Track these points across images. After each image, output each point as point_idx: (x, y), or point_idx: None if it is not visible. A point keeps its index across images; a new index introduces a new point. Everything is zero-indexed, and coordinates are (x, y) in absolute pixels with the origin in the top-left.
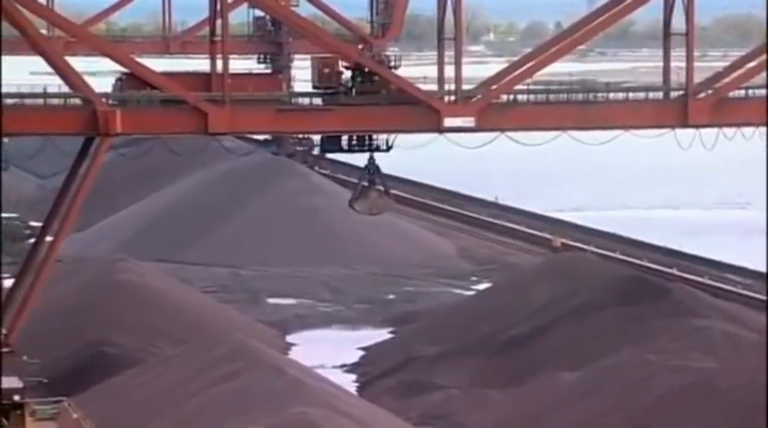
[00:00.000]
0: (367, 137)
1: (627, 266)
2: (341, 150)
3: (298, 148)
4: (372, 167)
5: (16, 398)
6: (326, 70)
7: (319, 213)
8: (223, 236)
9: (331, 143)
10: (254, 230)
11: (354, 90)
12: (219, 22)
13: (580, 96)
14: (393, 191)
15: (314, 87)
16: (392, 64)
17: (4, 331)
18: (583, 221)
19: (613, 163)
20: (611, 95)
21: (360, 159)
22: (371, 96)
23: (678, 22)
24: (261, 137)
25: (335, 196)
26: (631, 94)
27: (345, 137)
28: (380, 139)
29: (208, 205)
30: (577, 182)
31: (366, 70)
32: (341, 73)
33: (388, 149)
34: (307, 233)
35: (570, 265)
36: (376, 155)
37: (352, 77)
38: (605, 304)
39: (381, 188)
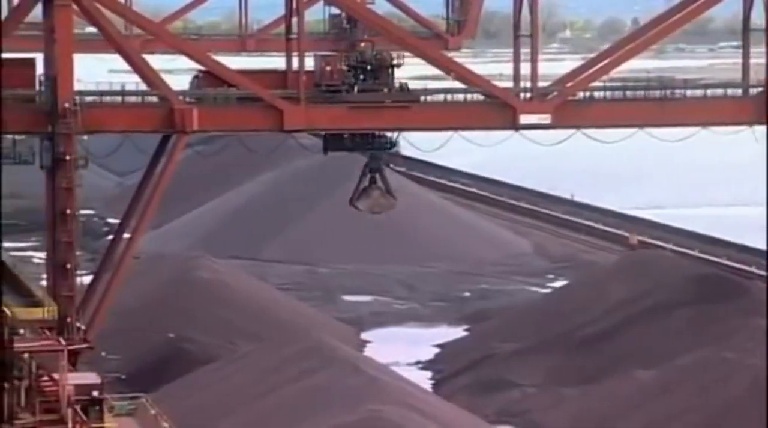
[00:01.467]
0: (370, 136)
1: (705, 264)
2: (344, 148)
3: None
4: (375, 166)
5: (95, 394)
6: (328, 68)
7: (395, 210)
8: (298, 233)
9: (335, 141)
10: (330, 228)
11: (356, 88)
12: (295, 20)
13: (657, 93)
14: (471, 189)
15: (316, 85)
16: (394, 62)
17: (82, 327)
18: (661, 218)
19: (690, 160)
20: (689, 92)
21: (439, 157)
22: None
23: (757, 18)
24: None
25: (411, 193)
26: (709, 91)
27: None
28: (384, 137)
29: (283, 202)
30: (655, 180)
31: (368, 67)
32: (343, 71)
33: (392, 146)
34: (382, 231)
35: (647, 263)
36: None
37: (354, 75)
38: (682, 302)
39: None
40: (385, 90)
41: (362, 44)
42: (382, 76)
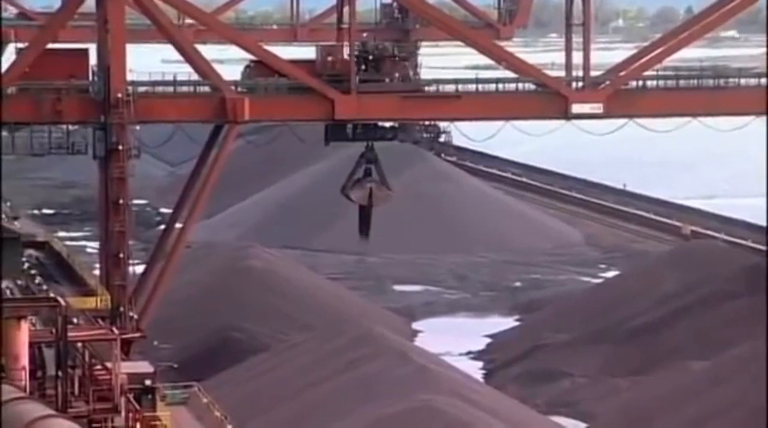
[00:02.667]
0: (372, 127)
1: (758, 254)
2: (346, 139)
3: (424, 135)
4: (371, 157)
5: (148, 382)
6: (330, 59)
7: (445, 200)
8: (349, 222)
9: (336, 131)
10: (380, 218)
11: (358, 78)
12: (346, 9)
13: (710, 82)
14: (522, 179)
15: (317, 74)
16: (394, 53)
17: (135, 316)
18: (714, 208)
19: (744, 149)
20: (743, 81)
21: (490, 147)
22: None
23: None
24: (387, 124)
25: (462, 183)
26: (762, 80)
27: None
28: (386, 127)
29: (334, 192)
30: (708, 169)
31: (371, 58)
32: (345, 61)
33: (393, 137)
34: (433, 221)
35: (699, 253)
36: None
37: (357, 65)
38: (735, 293)
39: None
40: (387, 80)
41: (365, 35)
42: (384, 66)
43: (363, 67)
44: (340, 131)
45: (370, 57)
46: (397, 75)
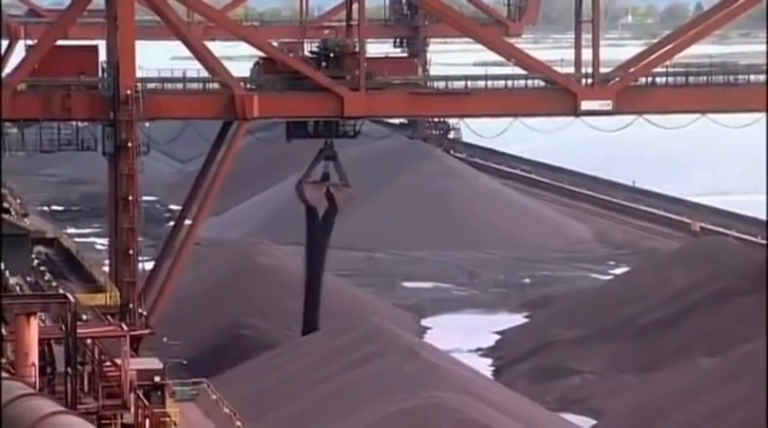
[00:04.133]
0: (334, 124)
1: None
2: (308, 136)
3: (434, 132)
4: (330, 154)
5: (157, 379)
6: (291, 55)
7: (455, 197)
8: (358, 219)
9: (298, 128)
10: (390, 214)
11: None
12: (355, 6)
13: (720, 78)
14: (531, 175)
15: (278, 71)
16: (356, 49)
17: (144, 313)
18: (723, 205)
19: (753, 146)
20: (752, 77)
21: (499, 144)
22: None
23: None
24: (397, 121)
25: (471, 179)
26: None
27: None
28: (348, 125)
29: None
30: (717, 166)
31: (332, 55)
32: (306, 58)
33: (355, 135)
34: (442, 217)
35: (709, 249)
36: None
37: (317, 62)
38: (746, 289)
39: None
40: (348, 78)
41: (326, 32)
42: (345, 63)
43: (324, 63)
44: (300, 128)
45: (331, 54)
46: (357, 72)
